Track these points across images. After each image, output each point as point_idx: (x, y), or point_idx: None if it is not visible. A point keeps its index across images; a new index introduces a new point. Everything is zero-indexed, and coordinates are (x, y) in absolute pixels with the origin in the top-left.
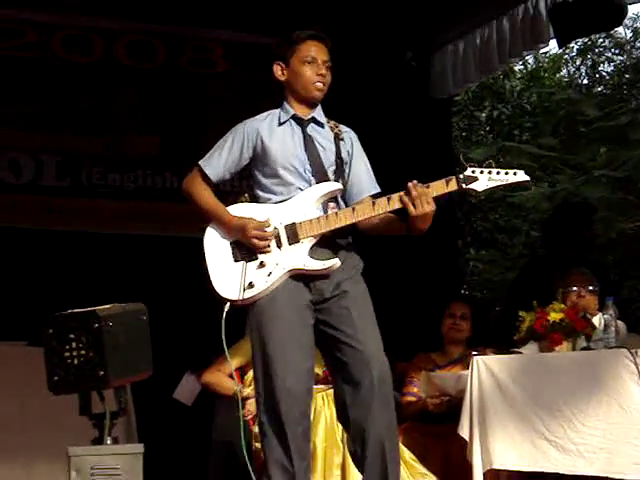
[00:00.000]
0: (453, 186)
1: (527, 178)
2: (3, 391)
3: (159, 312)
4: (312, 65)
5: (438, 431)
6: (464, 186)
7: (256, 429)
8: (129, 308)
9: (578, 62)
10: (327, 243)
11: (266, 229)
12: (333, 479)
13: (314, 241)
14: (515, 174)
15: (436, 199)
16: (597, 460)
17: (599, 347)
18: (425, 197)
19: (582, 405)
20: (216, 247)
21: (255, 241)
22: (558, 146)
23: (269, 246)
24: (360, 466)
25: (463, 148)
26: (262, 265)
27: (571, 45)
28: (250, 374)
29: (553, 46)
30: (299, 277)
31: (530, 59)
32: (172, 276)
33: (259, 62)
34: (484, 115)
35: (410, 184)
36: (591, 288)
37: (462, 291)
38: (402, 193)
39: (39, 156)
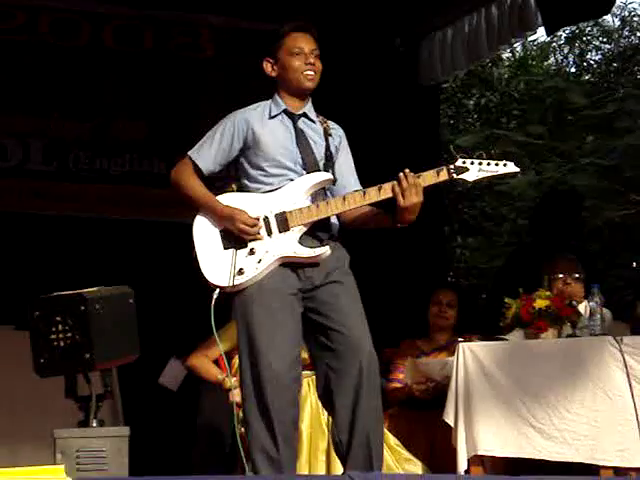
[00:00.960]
0: (444, 176)
1: (517, 169)
2: None
3: (146, 297)
4: (300, 56)
5: (423, 417)
6: (455, 176)
7: (242, 414)
8: (116, 291)
9: (566, 50)
10: (316, 233)
11: (254, 221)
12: (318, 464)
13: (304, 229)
14: (505, 165)
15: (425, 189)
16: (582, 447)
17: (584, 334)
18: (415, 188)
19: (567, 392)
20: (205, 234)
21: (245, 236)
22: (545, 134)
23: (259, 233)
24: (343, 455)
25: (450, 135)
26: (252, 252)
27: (559, 33)
28: (236, 359)
29: (541, 34)
30: (288, 265)
31: (518, 47)
32: (159, 261)
33: (248, 47)
34: (472, 102)
35: (401, 174)
36: (577, 275)
37: (448, 278)
38: (394, 182)
39: (26, 140)
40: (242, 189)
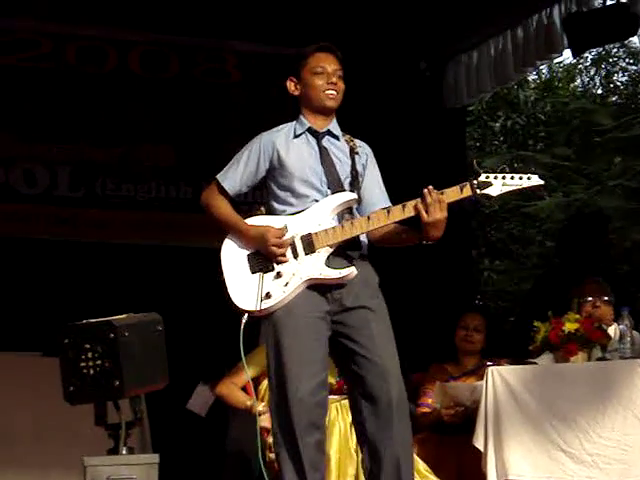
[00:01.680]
0: (467, 192)
1: (541, 182)
2: (19, 401)
3: (173, 322)
4: (322, 75)
5: (453, 442)
6: (478, 192)
7: (270, 440)
8: (145, 318)
9: (592, 72)
10: (343, 253)
11: (284, 237)
12: None
13: (330, 251)
14: (529, 178)
15: (450, 206)
16: (612, 471)
17: (614, 357)
18: (439, 204)
19: (597, 416)
20: (233, 259)
21: (274, 249)
22: (572, 156)
23: (285, 255)
24: None
25: (477, 158)
26: (279, 275)
27: (585, 55)
28: (264, 384)
29: (567, 56)
30: (316, 287)
31: (544, 69)
32: (186, 287)
33: (273, 72)
34: (498, 125)
35: (425, 190)
36: (606, 298)
37: (476, 301)
38: (418, 200)
39: (53, 166)
40: (270, 212)
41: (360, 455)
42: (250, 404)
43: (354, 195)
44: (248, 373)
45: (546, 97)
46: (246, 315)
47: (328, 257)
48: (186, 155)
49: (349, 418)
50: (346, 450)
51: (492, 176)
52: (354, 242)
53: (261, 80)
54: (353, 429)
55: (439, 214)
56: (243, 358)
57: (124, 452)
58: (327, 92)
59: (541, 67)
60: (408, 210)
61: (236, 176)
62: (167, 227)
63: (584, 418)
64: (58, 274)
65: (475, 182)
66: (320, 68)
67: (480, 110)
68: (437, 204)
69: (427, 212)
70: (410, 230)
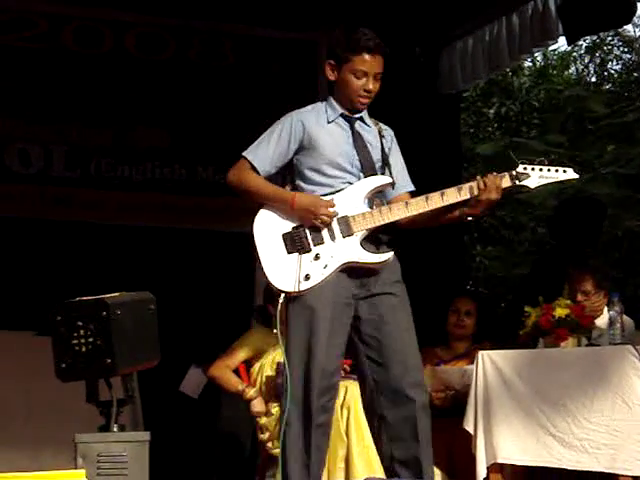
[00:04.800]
0: (507, 183)
1: (576, 176)
2: (11, 379)
3: (166, 304)
4: (361, 80)
5: (443, 425)
6: (517, 183)
7: (261, 421)
8: (137, 297)
9: (586, 59)
10: (375, 238)
11: (331, 209)
12: (337, 472)
13: (366, 234)
14: (565, 172)
15: None
16: (601, 456)
17: (604, 343)
18: (495, 188)
19: (587, 401)
20: (267, 237)
21: (324, 217)
22: (566, 143)
23: (323, 238)
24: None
25: (471, 144)
26: (317, 257)
27: (580, 42)
28: (256, 367)
29: (562, 43)
30: (347, 271)
31: (539, 56)
32: (180, 268)
33: (268, 55)
34: (492, 111)
35: (479, 177)
36: (597, 285)
37: (468, 287)
38: (473, 183)
39: (49, 147)
40: (296, 190)
41: (350, 438)
42: (242, 389)
43: (389, 179)
44: (242, 354)
45: (540, 84)
46: (283, 295)
47: (363, 241)
48: (181, 137)
49: (340, 401)
50: (337, 432)
51: (530, 167)
52: (388, 227)
53: (256, 63)
54: (343, 411)
55: (494, 195)
56: (280, 337)
57: (115, 429)
58: (360, 97)
59: (536, 54)
60: (464, 193)
61: (267, 155)
62: (162, 208)
63: (573, 403)
64: (53, 254)
65: (514, 173)
66: (361, 72)
67: (474, 96)
68: (494, 185)
69: (484, 192)
70: (445, 212)
